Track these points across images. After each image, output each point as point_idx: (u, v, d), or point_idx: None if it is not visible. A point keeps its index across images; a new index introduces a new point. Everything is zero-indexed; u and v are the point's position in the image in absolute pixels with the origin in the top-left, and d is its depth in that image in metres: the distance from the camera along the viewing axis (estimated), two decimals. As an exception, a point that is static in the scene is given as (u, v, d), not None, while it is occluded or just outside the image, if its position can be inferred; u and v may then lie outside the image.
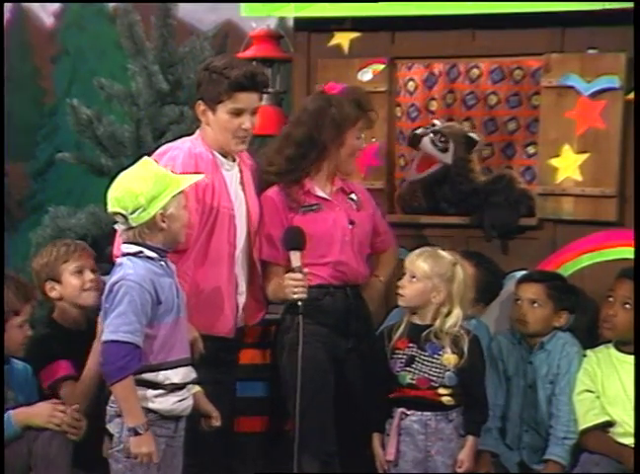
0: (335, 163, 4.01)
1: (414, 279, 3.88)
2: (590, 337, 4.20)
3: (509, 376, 4.19)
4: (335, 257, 3.97)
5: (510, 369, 4.19)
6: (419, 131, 4.62)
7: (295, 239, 3.84)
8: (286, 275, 3.85)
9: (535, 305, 4.14)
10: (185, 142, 3.88)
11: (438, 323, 3.87)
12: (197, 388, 3.53)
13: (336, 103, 3.99)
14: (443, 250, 3.95)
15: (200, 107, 3.85)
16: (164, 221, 3.40)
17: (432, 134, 4.55)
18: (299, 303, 3.79)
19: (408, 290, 3.89)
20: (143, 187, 3.36)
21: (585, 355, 4.11)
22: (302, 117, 4.05)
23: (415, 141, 4.59)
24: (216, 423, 3.59)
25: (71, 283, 3.94)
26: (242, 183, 3.94)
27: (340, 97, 4.03)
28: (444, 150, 4.53)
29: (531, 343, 4.18)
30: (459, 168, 4.55)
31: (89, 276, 3.96)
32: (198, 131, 3.92)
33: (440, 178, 4.56)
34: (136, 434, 3.31)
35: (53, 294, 3.96)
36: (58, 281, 3.95)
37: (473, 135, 4.61)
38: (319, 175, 4.03)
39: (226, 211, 3.82)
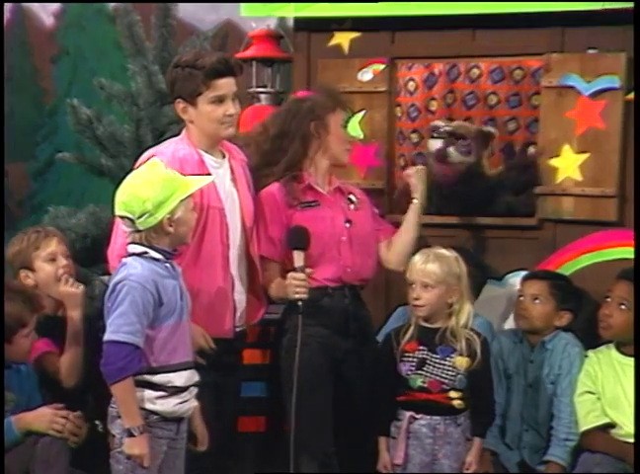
0: (329, 154, 4.01)
1: (428, 288, 3.84)
2: (590, 337, 4.20)
3: (509, 375, 4.19)
4: (332, 255, 3.95)
5: (510, 368, 4.19)
6: (441, 145, 4.51)
7: (300, 239, 3.82)
8: (289, 274, 3.84)
9: (537, 301, 4.15)
10: (169, 145, 3.83)
11: (452, 322, 3.85)
12: (195, 402, 3.49)
13: (309, 98, 4.09)
14: (436, 248, 3.95)
15: (180, 105, 3.80)
16: (171, 225, 3.37)
17: (454, 142, 4.50)
18: (299, 303, 3.80)
19: (425, 300, 3.84)
20: (150, 192, 3.32)
21: (587, 356, 4.12)
22: (277, 115, 4.12)
23: (443, 157, 4.50)
24: (201, 447, 3.57)
25: (44, 271, 3.91)
26: (234, 179, 3.90)
27: (311, 94, 4.16)
28: (469, 153, 4.51)
29: (533, 342, 4.18)
30: (478, 166, 4.53)
31: (62, 261, 3.91)
32: (183, 131, 3.89)
33: (465, 178, 4.52)
34: (131, 435, 3.30)
35: (28, 282, 3.92)
36: (32, 270, 3.91)
37: (489, 129, 4.59)
38: (316, 171, 4.03)
39: (217, 211, 3.78)
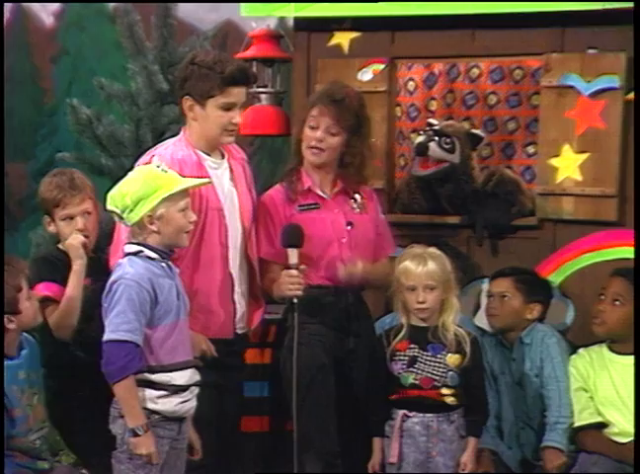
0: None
1: (431, 289, 3.84)
2: (589, 336, 4.21)
3: (495, 376, 4.20)
4: (332, 258, 3.95)
5: (495, 369, 4.21)
6: (422, 139, 4.55)
7: (293, 236, 3.84)
8: (283, 271, 3.85)
9: (505, 298, 4.19)
10: (167, 147, 3.83)
11: (442, 319, 3.86)
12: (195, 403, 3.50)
13: None
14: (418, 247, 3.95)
15: (188, 102, 3.79)
16: (152, 223, 3.38)
17: (436, 138, 4.53)
18: (295, 301, 3.81)
19: (431, 302, 3.84)
20: (131, 187, 3.36)
21: (576, 352, 4.13)
22: None
23: (423, 150, 4.54)
24: (196, 455, 3.57)
25: (59, 227, 3.88)
26: (233, 179, 3.90)
27: None
28: (452, 151, 4.52)
29: (510, 339, 4.20)
30: (464, 167, 4.55)
31: (78, 223, 3.84)
32: (182, 132, 3.89)
33: (444, 176, 4.55)
34: (135, 435, 3.30)
35: (50, 229, 3.92)
36: (53, 220, 3.89)
37: (477, 132, 4.62)
38: (319, 174, 4.02)
39: (215, 212, 3.78)
